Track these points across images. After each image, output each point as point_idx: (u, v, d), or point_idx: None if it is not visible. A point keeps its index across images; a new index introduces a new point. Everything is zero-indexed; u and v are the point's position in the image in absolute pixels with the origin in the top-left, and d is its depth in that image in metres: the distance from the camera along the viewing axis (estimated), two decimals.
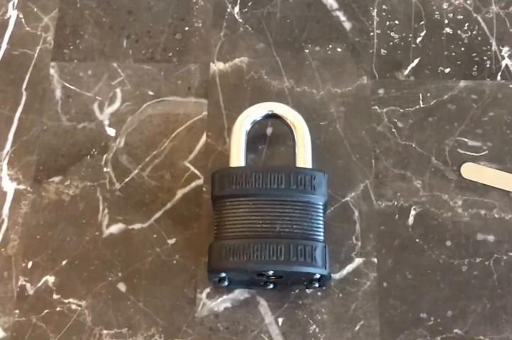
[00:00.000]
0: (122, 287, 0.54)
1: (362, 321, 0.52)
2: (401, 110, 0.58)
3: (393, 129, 0.58)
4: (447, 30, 0.61)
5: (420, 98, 0.59)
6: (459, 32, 0.61)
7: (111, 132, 0.58)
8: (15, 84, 0.60)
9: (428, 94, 0.59)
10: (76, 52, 0.61)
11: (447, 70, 0.60)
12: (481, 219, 0.55)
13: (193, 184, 0.57)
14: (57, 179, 0.57)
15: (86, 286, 0.54)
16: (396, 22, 0.61)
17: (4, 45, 0.61)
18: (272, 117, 0.55)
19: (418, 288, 0.53)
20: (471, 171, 0.56)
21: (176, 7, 0.63)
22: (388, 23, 0.61)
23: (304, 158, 0.53)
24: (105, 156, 0.57)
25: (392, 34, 0.61)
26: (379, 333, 0.52)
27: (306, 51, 0.61)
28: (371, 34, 0.61)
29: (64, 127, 0.58)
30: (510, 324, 0.52)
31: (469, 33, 0.61)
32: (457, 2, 0.62)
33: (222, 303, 0.53)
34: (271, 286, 0.52)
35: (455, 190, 0.56)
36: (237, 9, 0.62)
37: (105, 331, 0.53)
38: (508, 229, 0.54)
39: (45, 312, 0.53)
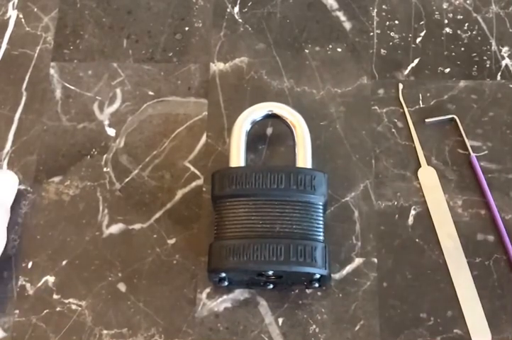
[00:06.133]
0: (122, 287, 0.54)
1: (362, 321, 0.52)
2: (401, 110, 0.58)
3: (393, 130, 0.58)
4: (447, 30, 0.61)
5: (420, 98, 0.59)
6: (459, 32, 0.61)
7: (111, 132, 0.58)
8: (15, 84, 0.60)
9: (428, 94, 0.59)
10: (76, 52, 0.61)
11: (447, 70, 0.60)
12: (481, 219, 0.55)
13: (193, 184, 0.57)
14: (57, 179, 0.57)
15: (86, 286, 0.54)
16: (396, 22, 0.61)
17: (4, 45, 0.61)
18: (272, 117, 0.55)
19: (418, 288, 0.53)
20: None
21: (176, 7, 0.63)
22: (388, 23, 0.61)
23: (304, 158, 0.53)
24: (105, 156, 0.57)
25: (392, 34, 0.61)
26: (379, 333, 0.52)
27: (306, 51, 0.61)
28: (371, 34, 0.61)
29: (64, 127, 0.58)
30: (510, 324, 0.52)
31: (469, 33, 0.61)
32: (457, 2, 0.62)
33: (222, 303, 0.53)
34: (271, 286, 0.52)
35: (455, 190, 0.56)
36: (237, 9, 0.62)
37: (105, 331, 0.53)
38: (508, 229, 0.54)
39: (45, 312, 0.53)
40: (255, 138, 0.57)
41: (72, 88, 0.60)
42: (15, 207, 0.56)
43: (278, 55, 0.61)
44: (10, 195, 0.55)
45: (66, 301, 0.53)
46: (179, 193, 0.56)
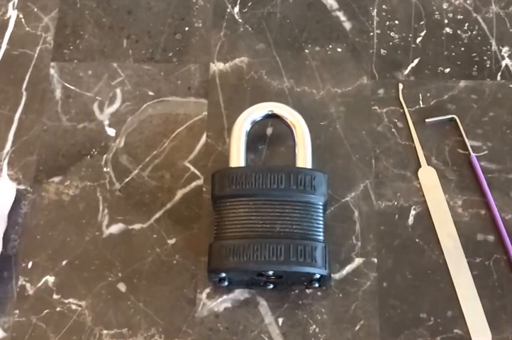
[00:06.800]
0: (122, 287, 0.54)
1: (362, 321, 0.52)
2: (401, 110, 0.58)
3: (393, 129, 0.58)
4: (447, 30, 0.61)
5: (420, 98, 0.59)
6: (459, 32, 0.61)
7: (111, 132, 0.58)
8: (15, 84, 0.60)
9: (428, 94, 0.59)
10: (76, 52, 0.61)
11: (447, 70, 0.60)
12: (481, 219, 0.55)
13: (193, 184, 0.57)
14: (57, 179, 0.57)
15: (86, 286, 0.54)
16: (396, 22, 0.61)
17: (4, 45, 0.61)
18: (272, 117, 0.55)
19: (418, 288, 0.53)
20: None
21: (176, 7, 0.63)
22: (388, 23, 0.61)
23: (304, 158, 0.53)
24: (105, 156, 0.57)
25: (392, 34, 0.61)
26: (379, 333, 0.52)
27: (306, 51, 0.61)
28: (371, 34, 0.61)
29: (64, 127, 0.58)
30: (510, 324, 0.52)
31: (469, 33, 0.61)
32: (457, 2, 0.62)
33: (222, 303, 0.53)
34: (271, 286, 0.52)
35: (455, 190, 0.56)
36: (237, 9, 0.62)
37: (105, 331, 0.53)
38: (508, 229, 0.54)
39: (45, 312, 0.53)
40: (255, 138, 0.57)
41: (72, 88, 0.60)
42: (15, 207, 0.56)
43: (278, 55, 0.61)
44: (6, 204, 0.55)
45: (66, 301, 0.53)
46: (179, 193, 0.56)
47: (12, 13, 0.62)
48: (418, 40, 0.61)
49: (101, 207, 0.56)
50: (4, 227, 0.53)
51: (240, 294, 0.53)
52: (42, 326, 0.53)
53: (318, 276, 0.50)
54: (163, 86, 0.60)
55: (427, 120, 0.57)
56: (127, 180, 0.57)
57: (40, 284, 0.54)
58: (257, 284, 0.52)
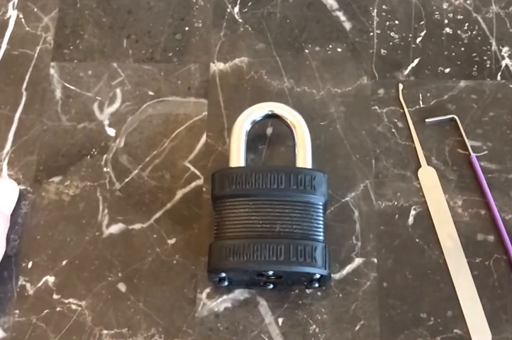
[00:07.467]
0: (122, 287, 0.54)
1: (362, 321, 0.52)
2: (401, 110, 0.58)
3: (393, 130, 0.58)
4: (447, 30, 0.61)
5: (420, 98, 0.59)
6: (459, 32, 0.61)
7: (111, 132, 0.58)
8: (15, 84, 0.60)
9: (428, 94, 0.59)
10: (76, 52, 0.61)
11: (447, 70, 0.60)
12: (481, 219, 0.55)
13: (193, 184, 0.57)
14: (57, 179, 0.57)
15: (86, 286, 0.54)
16: (396, 22, 0.62)
17: (4, 45, 0.61)
18: (272, 117, 0.55)
19: (418, 288, 0.53)
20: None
21: (176, 7, 0.63)
22: (388, 23, 0.61)
23: (304, 158, 0.53)
24: (105, 156, 0.57)
25: (392, 34, 0.61)
26: (379, 333, 0.52)
27: (306, 51, 0.61)
28: (371, 34, 0.61)
29: (64, 127, 0.58)
30: (510, 324, 0.52)
31: (469, 33, 0.61)
32: (457, 2, 0.62)
33: (222, 303, 0.53)
34: (271, 286, 0.52)
35: (455, 190, 0.56)
36: (237, 9, 0.62)
37: (105, 331, 0.53)
38: (508, 229, 0.54)
39: (45, 312, 0.53)
40: (255, 138, 0.57)
41: (72, 88, 0.60)
42: (15, 207, 0.56)
43: (278, 55, 0.61)
44: (9, 204, 0.54)
45: (66, 301, 0.53)
46: (179, 193, 0.56)
47: (12, 13, 0.62)
48: (418, 40, 0.61)
49: (101, 207, 0.56)
50: (7, 226, 0.53)
51: (240, 294, 0.53)
52: (42, 326, 0.53)
53: (318, 276, 0.50)
54: (163, 86, 0.60)
55: (427, 120, 0.57)
56: (127, 180, 0.57)
57: (40, 284, 0.54)
58: (257, 284, 0.52)
